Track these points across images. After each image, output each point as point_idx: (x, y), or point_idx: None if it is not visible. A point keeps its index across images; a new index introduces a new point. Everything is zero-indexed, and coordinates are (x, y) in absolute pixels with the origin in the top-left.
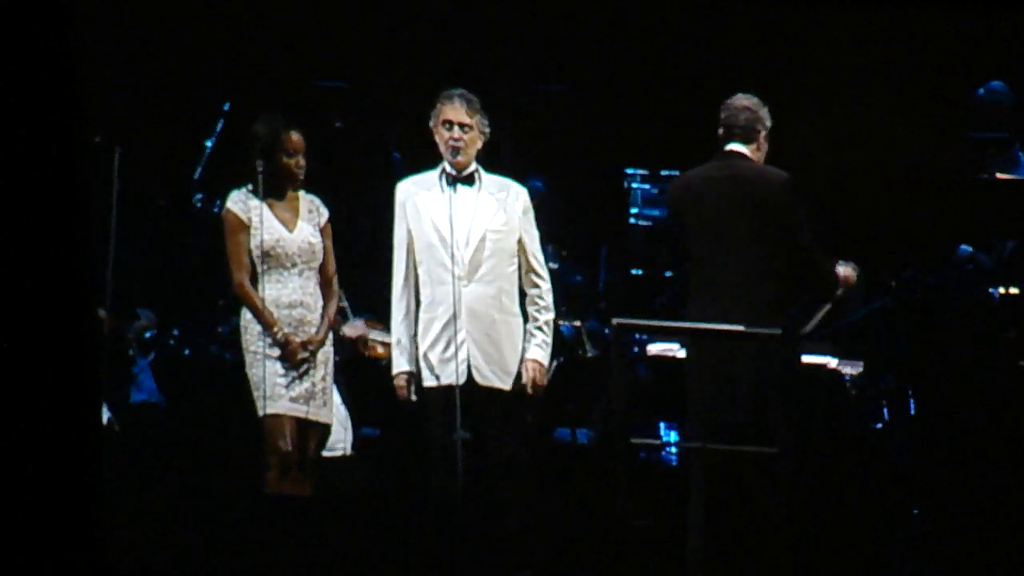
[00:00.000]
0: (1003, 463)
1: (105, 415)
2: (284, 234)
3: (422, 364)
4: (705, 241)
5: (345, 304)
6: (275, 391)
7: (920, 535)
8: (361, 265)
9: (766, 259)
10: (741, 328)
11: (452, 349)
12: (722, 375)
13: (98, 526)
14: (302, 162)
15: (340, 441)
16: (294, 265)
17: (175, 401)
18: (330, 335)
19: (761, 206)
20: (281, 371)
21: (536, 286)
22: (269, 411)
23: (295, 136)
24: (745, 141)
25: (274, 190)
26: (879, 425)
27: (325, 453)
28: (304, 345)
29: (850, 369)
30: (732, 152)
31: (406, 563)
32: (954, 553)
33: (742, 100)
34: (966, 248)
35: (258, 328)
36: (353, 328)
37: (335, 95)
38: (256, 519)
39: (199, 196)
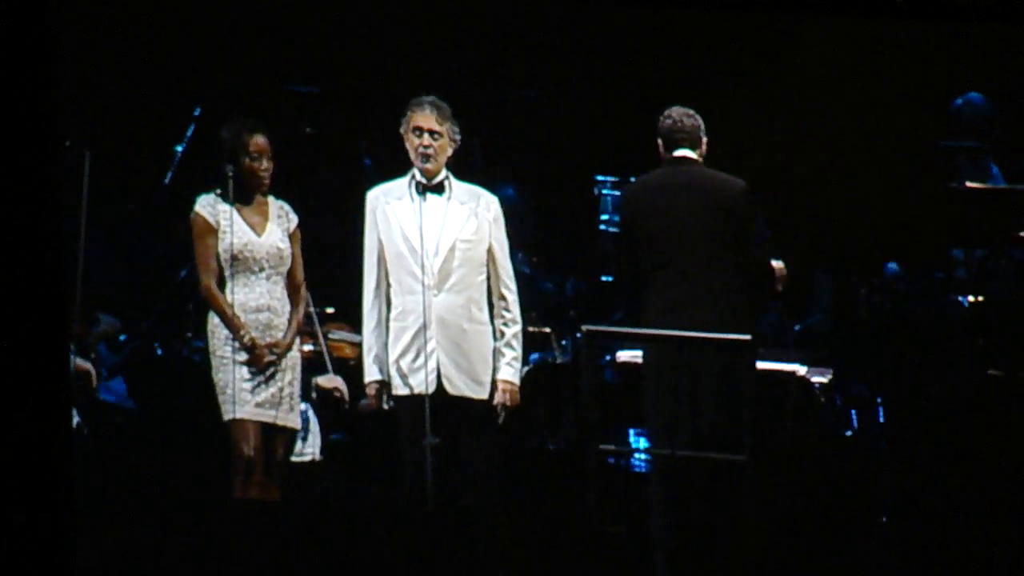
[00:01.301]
0: (972, 471)
1: (74, 418)
2: (252, 238)
3: (393, 372)
4: (664, 248)
5: (312, 310)
6: (240, 396)
7: (888, 543)
8: (331, 271)
9: (727, 265)
10: (710, 335)
11: (422, 358)
12: (685, 382)
13: (68, 529)
14: (266, 164)
15: (309, 446)
16: (262, 270)
17: (144, 404)
18: (297, 340)
19: (723, 213)
20: (247, 376)
21: (503, 297)
22: (233, 416)
23: (259, 139)
24: (692, 146)
25: (242, 194)
26: (848, 432)
27: (293, 458)
28: (270, 349)
29: (819, 377)
30: (684, 158)
31: (374, 569)
32: (922, 561)
33: (682, 109)
34: (893, 266)
35: (225, 332)
36: (329, 380)
37: (306, 100)
38: (225, 523)
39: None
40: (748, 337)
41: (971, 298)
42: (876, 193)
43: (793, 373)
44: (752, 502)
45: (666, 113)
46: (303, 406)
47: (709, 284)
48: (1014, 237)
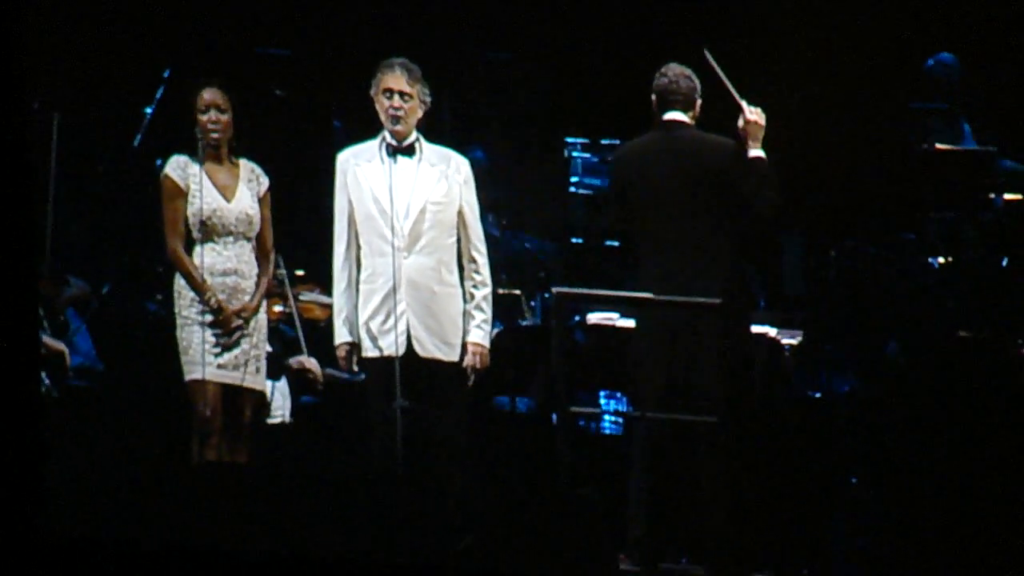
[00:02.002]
0: (942, 433)
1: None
2: (222, 204)
3: (362, 334)
4: (655, 212)
5: (283, 271)
6: (201, 357)
7: (858, 504)
8: (301, 234)
9: (718, 230)
10: (683, 299)
11: (392, 320)
12: (667, 344)
13: (37, 492)
14: (214, 116)
15: (279, 408)
16: (230, 234)
17: (112, 364)
18: (264, 303)
19: (714, 176)
20: (211, 338)
21: (473, 260)
22: (193, 376)
23: (207, 93)
24: (685, 109)
25: (210, 154)
26: (818, 394)
27: (267, 421)
28: (238, 313)
29: (789, 339)
30: (675, 121)
31: (344, 531)
32: (893, 521)
33: (679, 68)
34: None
35: (191, 294)
36: (299, 361)
37: (276, 63)
38: (194, 485)
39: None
40: (719, 301)
41: (940, 260)
42: (846, 155)
43: (763, 335)
44: (723, 463)
45: (662, 70)
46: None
47: (700, 251)
48: (983, 198)
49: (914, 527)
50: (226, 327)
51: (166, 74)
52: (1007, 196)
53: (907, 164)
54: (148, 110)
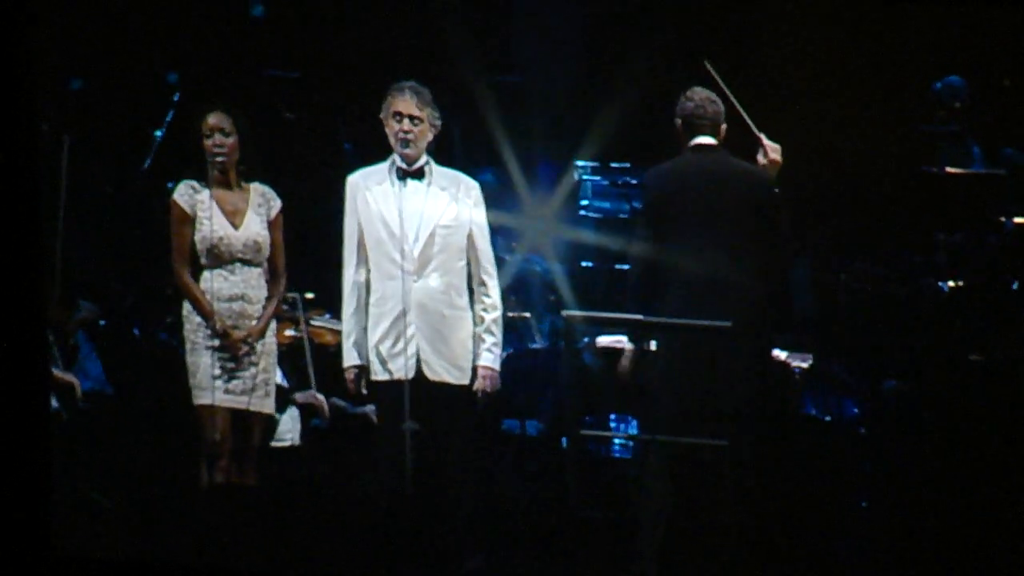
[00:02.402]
0: (952, 456)
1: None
2: (229, 231)
3: (372, 358)
4: (687, 238)
5: (295, 295)
6: (209, 382)
7: (868, 528)
8: (311, 257)
9: (751, 255)
10: (698, 322)
11: (401, 344)
12: (688, 369)
13: (46, 513)
14: (219, 140)
15: (288, 432)
16: (237, 260)
17: (122, 388)
18: (273, 326)
19: (748, 203)
20: (219, 363)
21: (483, 283)
22: (201, 401)
23: (211, 118)
24: (712, 133)
25: (218, 179)
26: (828, 418)
27: (273, 443)
28: (243, 339)
29: (800, 362)
30: (706, 145)
31: (353, 552)
32: (902, 545)
33: (704, 92)
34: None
35: (197, 318)
36: (305, 396)
37: (286, 85)
38: (204, 507)
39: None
40: (729, 324)
41: (950, 283)
42: (855, 177)
43: (774, 358)
44: (734, 487)
45: (688, 95)
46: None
47: (729, 276)
48: (993, 221)
49: (925, 551)
50: (232, 352)
51: (176, 97)
52: (1017, 219)
53: (916, 187)
54: (158, 133)
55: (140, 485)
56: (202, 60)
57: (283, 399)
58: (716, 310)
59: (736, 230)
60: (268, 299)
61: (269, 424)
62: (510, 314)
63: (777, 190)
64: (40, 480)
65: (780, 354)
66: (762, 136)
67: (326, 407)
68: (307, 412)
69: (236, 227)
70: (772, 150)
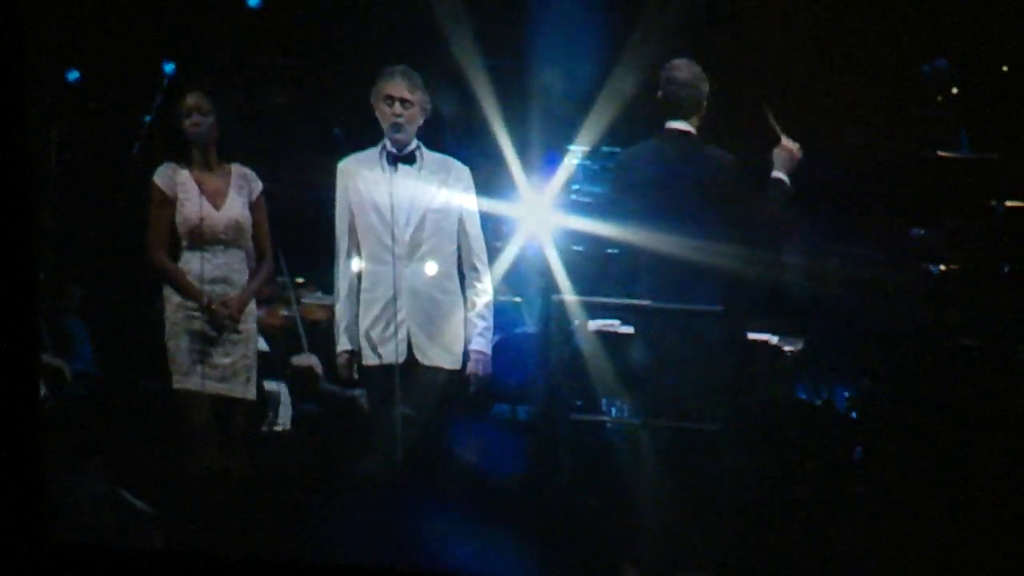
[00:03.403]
0: (943, 440)
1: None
2: (210, 212)
3: (363, 343)
4: (652, 224)
5: (285, 278)
6: (190, 367)
7: (862, 513)
8: (301, 241)
9: (715, 239)
10: (683, 306)
11: (392, 328)
12: (668, 351)
13: (39, 498)
14: (197, 119)
15: (279, 417)
16: (220, 242)
17: (110, 371)
18: (255, 313)
19: (712, 189)
20: (197, 346)
21: (475, 268)
22: (183, 386)
23: (189, 98)
24: (688, 116)
25: (197, 161)
26: (818, 402)
27: (265, 428)
28: (227, 316)
29: (791, 346)
30: (676, 131)
31: (345, 537)
32: (896, 531)
33: (687, 72)
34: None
35: (176, 299)
36: (304, 359)
37: (277, 70)
38: (194, 493)
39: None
40: (720, 308)
41: (942, 267)
42: (846, 162)
43: (765, 342)
44: (725, 471)
45: (671, 73)
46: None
47: (696, 260)
48: (984, 205)
49: (917, 535)
50: (214, 336)
51: (165, 83)
52: (1008, 203)
53: (908, 171)
54: (147, 119)
55: (130, 470)
56: (193, 46)
57: (280, 363)
58: (688, 295)
59: (698, 218)
60: (250, 278)
61: (252, 409)
62: (501, 298)
63: (741, 171)
64: (34, 467)
65: (772, 338)
66: (783, 135)
67: (320, 369)
68: (301, 381)
69: (218, 208)
70: (788, 141)
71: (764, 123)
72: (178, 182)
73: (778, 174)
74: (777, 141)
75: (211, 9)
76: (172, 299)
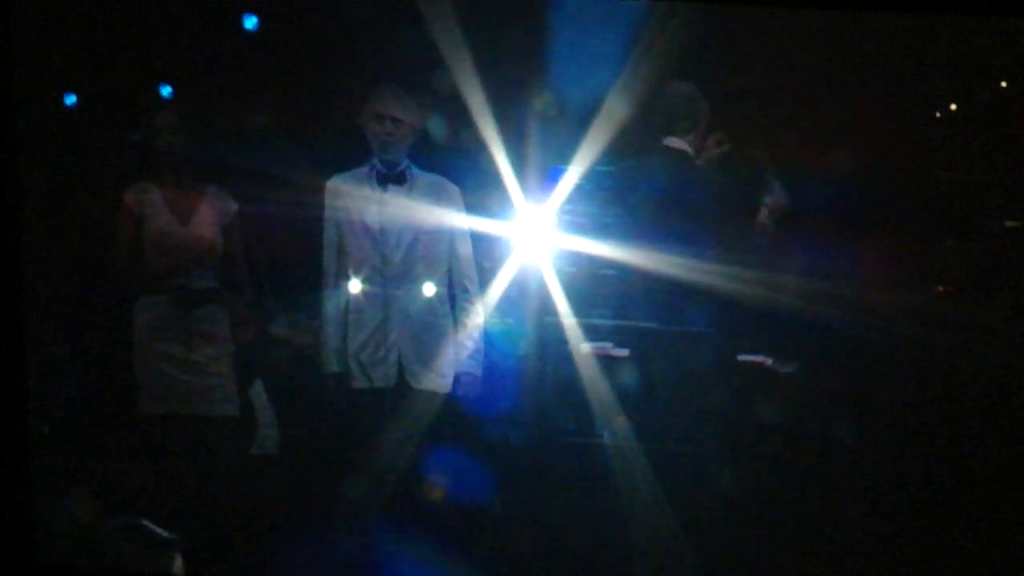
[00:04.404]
0: (943, 467)
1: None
2: (176, 228)
3: (353, 366)
4: (648, 240)
5: (266, 300)
6: (161, 391)
7: (856, 537)
8: (285, 262)
9: (710, 259)
10: (678, 328)
11: (383, 351)
12: (661, 373)
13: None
14: (166, 140)
15: (266, 439)
16: (189, 263)
17: (99, 392)
18: (232, 330)
19: (706, 208)
20: (176, 370)
21: (466, 289)
22: (159, 411)
23: (158, 119)
24: (684, 133)
25: (169, 180)
26: (814, 424)
27: (253, 451)
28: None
29: (786, 368)
30: (670, 148)
31: (336, 565)
32: (891, 555)
33: (683, 88)
34: None
35: (146, 318)
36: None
37: (268, 89)
38: (180, 516)
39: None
40: (713, 330)
41: (939, 288)
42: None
43: (760, 364)
44: (718, 494)
45: (668, 91)
46: (263, 397)
47: (691, 283)
48: (983, 225)
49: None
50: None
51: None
52: (1008, 223)
53: (905, 191)
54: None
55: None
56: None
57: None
58: (681, 316)
59: (694, 238)
60: (227, 301)
61: (235, 429)
62: (492, 320)
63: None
64: (21, 490)
65: (766, 360)
66: (776, 185)
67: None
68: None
69: (184, 224)
70: (781, 202)
71: (757, 171)
72: (147, 199)
73: (763, 219)
74: (768, 189)
75: (207, 32)
76: (139, 319)
